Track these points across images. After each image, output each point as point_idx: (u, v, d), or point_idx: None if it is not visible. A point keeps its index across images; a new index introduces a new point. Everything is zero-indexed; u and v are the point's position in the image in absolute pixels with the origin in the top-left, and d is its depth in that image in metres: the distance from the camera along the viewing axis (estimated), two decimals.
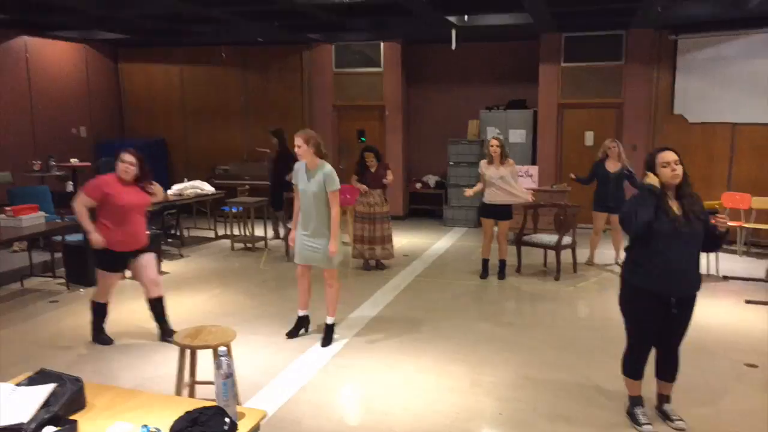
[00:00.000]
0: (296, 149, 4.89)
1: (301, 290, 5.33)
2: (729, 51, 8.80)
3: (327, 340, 5.19)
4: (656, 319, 3.58)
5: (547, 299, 6.54)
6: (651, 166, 3.52)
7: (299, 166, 5.05)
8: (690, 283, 3.53)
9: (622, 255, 3.89)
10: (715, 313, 5.95)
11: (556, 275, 7.23)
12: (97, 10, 7.91)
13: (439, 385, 4.43)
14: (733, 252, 8.42)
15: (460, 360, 4.85)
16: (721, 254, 7.65)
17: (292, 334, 5.34)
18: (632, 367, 3.77)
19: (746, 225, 8.29)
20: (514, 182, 7.07)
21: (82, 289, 6.74)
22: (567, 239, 7.37)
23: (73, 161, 9.70)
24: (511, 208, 7.22)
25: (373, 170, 7.53)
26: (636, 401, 3.83)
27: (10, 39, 9.70)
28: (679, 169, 3.46)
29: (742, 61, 8.67)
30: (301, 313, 5.39)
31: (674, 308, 3.51)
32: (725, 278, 7.19)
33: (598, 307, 6.29)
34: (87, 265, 6.68)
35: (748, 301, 6.29)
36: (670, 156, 3.47)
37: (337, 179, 4.95)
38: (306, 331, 5.41)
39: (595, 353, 4.97)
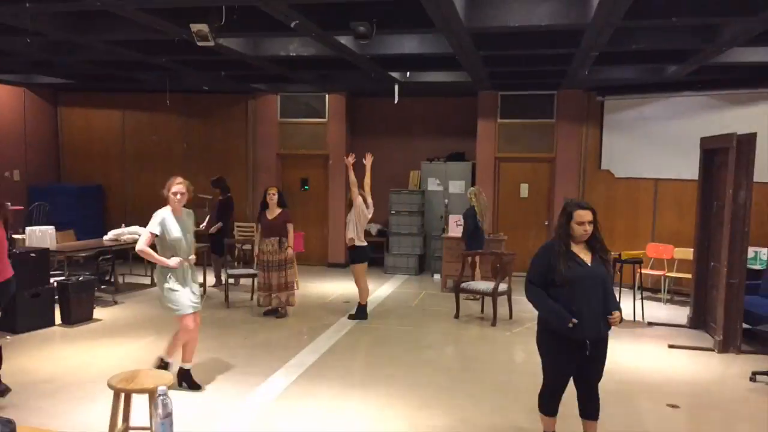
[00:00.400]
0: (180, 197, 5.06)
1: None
2: (651, 112, 9.48)
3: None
4: (571, 360, 3.78)
5: (484, 344, 6.71)
6: (568, 218, 3.76)
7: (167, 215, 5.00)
8: (601, 326, 3.75)
9: None
10: (640, 357, 6.24)
11: (493, 321, 7.43)
12: (39, 54, 7.86)
13: (378, 428, 4.47)
14: (658, 299, 8.86)
15: (400, 404, 4.91)
16: (646, 301, 8.04)
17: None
18: (547, 405, 3.96)
19: (669, 274, 8.77)
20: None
21: (8, 336, 6.47)
22: (503, 286, 7.61)
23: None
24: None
25: (270, 217, 7.54)
26: None
27: None
28: (590, 228, 3.73)
29: (663, 121, 9.34)
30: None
31: (588, 350, 3.72)
32: (650, 324, 7.56)
33: (532, 352, 6.46)
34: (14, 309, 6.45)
35: (671, 346, 6.62)
36: (586, 216, 3.75)
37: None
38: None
39: (529, 395, 5.12)
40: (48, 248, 7.53)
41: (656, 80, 8.85)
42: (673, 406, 4.99)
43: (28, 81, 10.65)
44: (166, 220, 4.95)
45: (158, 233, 4.90)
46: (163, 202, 5.14)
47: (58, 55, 7.88)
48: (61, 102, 11.89)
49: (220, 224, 9.21)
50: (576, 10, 5.58)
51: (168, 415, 2.40)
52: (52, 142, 11.84)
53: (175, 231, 4.95)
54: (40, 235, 7.99)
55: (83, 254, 8.26)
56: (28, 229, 8.27)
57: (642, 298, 7.80)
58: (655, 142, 9.41)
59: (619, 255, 7.69)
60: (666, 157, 9.28)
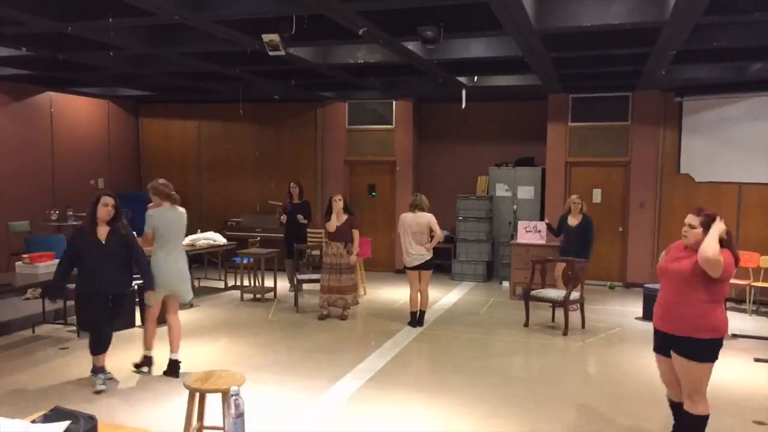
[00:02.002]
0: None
1: None
2: (732, 113, 9.01)
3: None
4: None
5: (555, 354, 6.53)
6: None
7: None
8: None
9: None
10: (724, 371, 5.90)
11: (564, 330, 7.22)
12: (121, 67, 8.27)
13: None
14: (743, 311, 8.38)
15: (467, 413, 4.84)
16: (730, 312, 7.62)
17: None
18: None
19: (755, 284, 8.28)
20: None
21: None
22: (575, 294, 7.39)
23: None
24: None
25: (337, 222, 7.67)
26: None
27: (36, 94, 10.12)
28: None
29: (745, 122, 8.86)
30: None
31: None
32: (734, 336, 7.15)
33: (605, 362, 6.26)
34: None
35: (757, 360, 6.24)
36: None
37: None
38: None
39: (601, 409, 4.95)
40: None
41: (738, 79, 8.40)
42: (759, 423, 4.69)
43: (111, 94, 11.24)
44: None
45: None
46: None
47: (139, 68, 8.28)
48: (142, 113, 12.48)
49: (304, 220, 9.36)
50: (653, 6, 5.37)
51: (240, 415, 2.45)
52: (134, 151, 12.44)
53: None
54: None
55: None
56: None
57: (726, 309, 7.39)
58: (738, 144, 8.94)
59: None
60: (750, 160, 8.80)
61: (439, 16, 5.68)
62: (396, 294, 9.52)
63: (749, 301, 8.39)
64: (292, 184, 9.51)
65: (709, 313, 3.66)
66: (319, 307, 7.90)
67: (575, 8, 5.58)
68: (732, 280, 8.13)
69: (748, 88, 8.67)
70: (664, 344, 3.86)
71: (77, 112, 10.98)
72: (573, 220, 8.23)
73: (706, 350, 3.68)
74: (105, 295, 5.23)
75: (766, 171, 8.47)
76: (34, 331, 7.00)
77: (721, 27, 6.20)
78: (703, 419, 3.78)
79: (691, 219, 3.76)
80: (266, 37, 5.89)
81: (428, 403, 5.05)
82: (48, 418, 2.56)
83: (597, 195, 10.30)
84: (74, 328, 6.97)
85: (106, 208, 5.22)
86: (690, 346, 3.68)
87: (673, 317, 3.76)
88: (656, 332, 3.95)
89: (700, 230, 3.70)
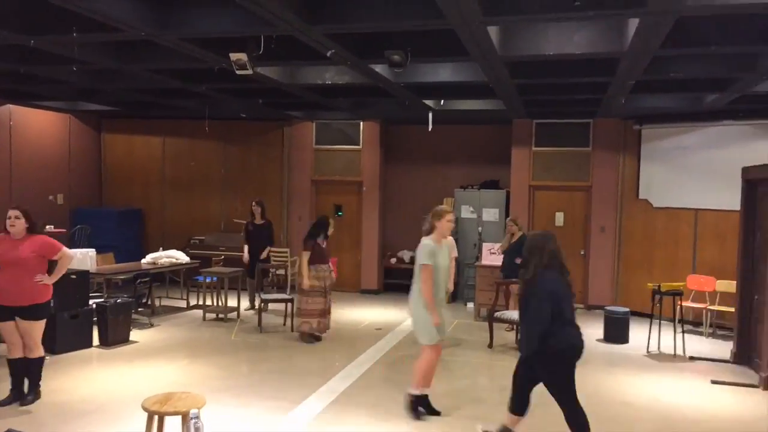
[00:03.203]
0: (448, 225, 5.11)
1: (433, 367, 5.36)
2: (689, 141, 9.31)
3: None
4: None
5: None
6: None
7: (430, 243, 5.11)
8: None
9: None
10: (681, 393, 6.04)
11: None
12: (84, 82, 8.15)
13: None
14: (700, 333, 8.59)
15: None
16: (687, 335, 7.80)
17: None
18: None
19: (711, 307, 8.51)
20: None
21: (48, 356, 6.59)
22: None
23: (48, 227, 9.68)
24: None
25: (323, 245, 7.71)
26: None
27: None
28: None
29: (703, 150, 9.15)
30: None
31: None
32: (691, 358, 7.32)
33: None
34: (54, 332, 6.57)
35: (714, 382, 6.39)
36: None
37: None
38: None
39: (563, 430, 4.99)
40: (88, 270, 7.70)
41: (695, 109, 8.71)
42: None
43: (73, 108, 11.03)
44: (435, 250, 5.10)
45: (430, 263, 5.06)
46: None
47: (102, 83, 8.17)
48: (105, 128, 12.28)
49: (269, 248, 9.32)
50: (612, 38, 5.55)
51: None
52: (95, 167, 12.20)
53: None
54: (81, 258, 8.17)
55: (122, 277, 8.45)
56: (70, 251, 8.47)
57: (683, 332, 7.57)
58: (695, 171, 9.22)
59: (659, 286, 7.50)
60: (706, 187, 9.07)
61: (406, 41, 5.76)
62: (361, 314, 9.49)
63: (706, 324, 8.61)
64: (254, 203, 9.44)
65: None
66: (315, 331, 7.68)
67: (539, 37, 5.73)
68: (689, 304, 8.40)
69: (704, 118, 8.99)
70: None
71: (38, 125, 10.75)
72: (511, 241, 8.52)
73: None
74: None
75: (721, 198, 8.74)
76: None
77: (678, 59, 6.43)
78: None
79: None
80: (234, 56, 5.89)
81: (391, 425, 5.02)
82: None
83: (560, 218, 10.49)
84: None
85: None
86: None
87: None
88: None
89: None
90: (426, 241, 5.10)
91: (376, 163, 11.25)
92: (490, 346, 7.63)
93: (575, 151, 10.29)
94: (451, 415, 5.30)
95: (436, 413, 5.22)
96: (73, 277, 7.03)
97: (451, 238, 5.40)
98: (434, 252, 5.06)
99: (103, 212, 11.64)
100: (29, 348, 5.18)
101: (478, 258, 9.89)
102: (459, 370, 6.77)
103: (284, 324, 8.41)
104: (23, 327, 5.12)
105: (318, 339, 7.72)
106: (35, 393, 5.27)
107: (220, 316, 8.87)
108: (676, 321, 7.55)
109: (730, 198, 8.07)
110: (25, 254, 5.01)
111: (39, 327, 5.18)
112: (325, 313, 7.71)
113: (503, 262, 8.57)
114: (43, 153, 10.83)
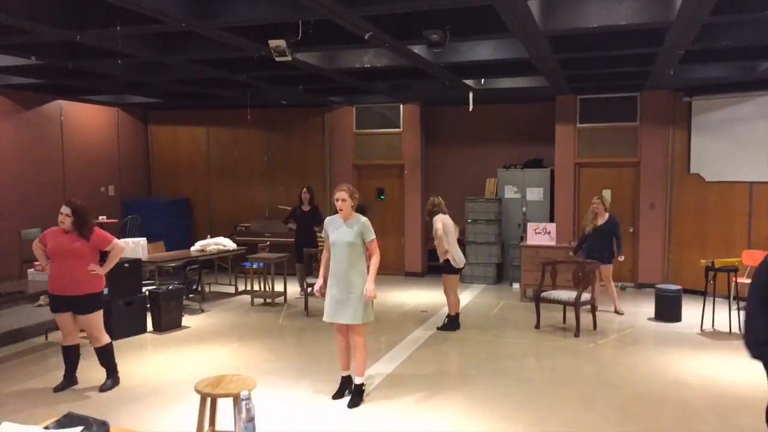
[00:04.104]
0: (338, 202, 4.97)
1: (339, 348, 5.25)
2: (742, 112, 8.94)
3: (354, 402, 5.05)
4: None
5: (566, 356, 6.50)
6: None
7: (332, 219, 5.13)
8: None
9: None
10: (738, 371, 5.85)
11: (576, 332, 7.19)
12: (129, 75, 8.33)
13: None
14: None
15: (479, 414, 4.83)
16: (742, 312, 7.53)
17: (337, 396, 5.18)
18: None
19: None
20: None
21: None
22: (586, 296, 7.36)
23: (101, 218, 10.01)
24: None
25: None
26: None
27: (46, 103, 10.22)
28: None
29: (755, 121, 8.79)
30: (344, 373, 5.27)
31: None
32: None
33: (618, 364, 6.23)
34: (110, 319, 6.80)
35: None
36: None
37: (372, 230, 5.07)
38: (350, 392, 5.19)
39: (615, 411, 4.92)
40: (140, 259, 7.92)
41: (747, 78, 8.34)
42: None
43: (120, 101, 11.33)
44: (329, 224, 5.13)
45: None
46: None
47: (147, 75, 8.34)
48: (151, 120, 12.56)
49: (293, 225, 9.40)
50: (659, 6, 5.35)
51: (251, 419, 2.46)
52: (144, 158, 12.52)
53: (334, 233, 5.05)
54: (133, 247, 8.41)
55: (172, 264, 8.66)
56: (122, 241, 8.74)
57: (738, 308, 7.34)
58: (749, 143, 8.87)
59: (713, 263, 7.27)
60: (761, 159, 8.73)
61: (444, 20, 5.67)
62: (405, 297, 9.51)
63: None
64: (304, 189, 9.54)
65: None
66: None
67: (581, 9, 5.57)
68: (744, 280, 8.11)
69: (757, 87, 8.61)
70: None
71: (87, 120, 11.07)
72: (600, 221, 8.16)
73: None
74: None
75: None
76: (47, 338, 7.04)
77: (728, 26, 6.17)
78: None
79: None
80: (273, 43, 5.92)
81: (439, 405, 5.04)
82: (61, 424, 2.58)
83: (607, 196, 10.16)
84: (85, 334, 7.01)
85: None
86: None
87: None
88: None
89: None
90: None
91: (417, 145, 11.19)
92: (537, 326, 7.55)
93: (622, 126, 10.01)
94: (500, 395, 5.27)
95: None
96: (126, 265, 7.25)
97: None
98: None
99: (152, 202, 11.95)
100: (95, 339, 5.38)
101: (523, 238, 9.76)
102: (504, 350, 6.73)
103: None
104: (82, 321, 5.33)
105: None
106: (114, 378, 5.47)
107: (268, 300, 9.02)
108: (731, 298, 7.31)
109: None
110: (78, 246, 5.18)
111: (97, 318, 5.37)
112: None
113: (587, 245, 8.22)
114: (93, 146, 11.16)
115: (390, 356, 6.43)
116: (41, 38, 6.09)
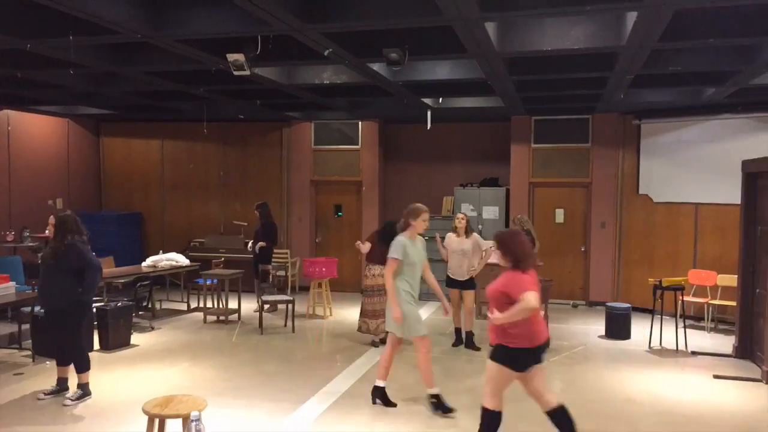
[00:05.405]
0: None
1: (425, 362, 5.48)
2: (689, 135, 9.29)
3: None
4: None
5: None
6: None
7: (406, 241, 5.28)
8: None
9: None
10: (683, 388, 6.03)
11: None
12: (82, 85, 8.13)
13: None
14: (701, 328, 8.57)
15: None
16: (689, 330, 7.78)
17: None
18: None
19: (713, 302, 8.49)
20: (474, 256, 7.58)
21: (47, 362, 6.58)
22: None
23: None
24: (473, 279, 7.60)
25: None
26: None
27: None
28: None
29: (702, 144, 9.14)
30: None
31: None
32: (693, 353, 7.30)
33: (569, 381, 6.31)
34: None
35: (716, 376, 6.37)
36: None
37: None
38: None
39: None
40: None
41: (694, 103, 8.69)
42: None
43: (71, 112, 11.03)
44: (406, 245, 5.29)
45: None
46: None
47: (100, 86, 8.15)
48: (103, 132, 12.26)
49: (262, 243, 9.32)
50: (610, 32, 5.53)
51: None
52: (94, 171, 12.19)
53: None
54: None
55: (122, 280, 8.44)
56: None
57: (684, 327, 7.56)
58: (695, 165, 9.21)
59: (660, 281, 7.49)
60: (706, 181, 9.06)
61: (404, 39, 5.74)
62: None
63: (707, 319, 8.60)
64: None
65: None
66: (361, 331, 7.67)
67: (536, 33, 5.71)
68: (690, 298, 8.38)
69: (703, 112, 8.97)
70: None
71: (36, 130, 10.73)
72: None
73: None
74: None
75: (721, 191, 8.72)
76: None
77: (676, 53, 6.41)
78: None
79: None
80: (231, 57, 5.87)
81: (392, 425, 5.01)
82: None
83: (560, 215, 10.47)
84: (29, 352, 6.74)
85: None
86: None
87: None
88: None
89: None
90: (400, 238, 5.31)
91: (375, 162, 11.23)
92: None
93: (575, 148, 10.28)
94: (472, 412, 5.27)
95: (393, 405, 5.42)
96: None
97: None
98: (407, 247, 5.24)
99: (102, 216, 11.61)
100: None
101: None
102: (461, 368, 6.75)
103: (285, 325, 8.39)
104: None
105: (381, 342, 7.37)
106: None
107: (221, 318, 8.85)
108: (678, 316, 7.54)
109: (730, 191, 8.06)
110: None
111: None
112: (378, 314, 7.45)
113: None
114: (41, 158, 10.82)
115: (346, 374, 6.38)
116: None
